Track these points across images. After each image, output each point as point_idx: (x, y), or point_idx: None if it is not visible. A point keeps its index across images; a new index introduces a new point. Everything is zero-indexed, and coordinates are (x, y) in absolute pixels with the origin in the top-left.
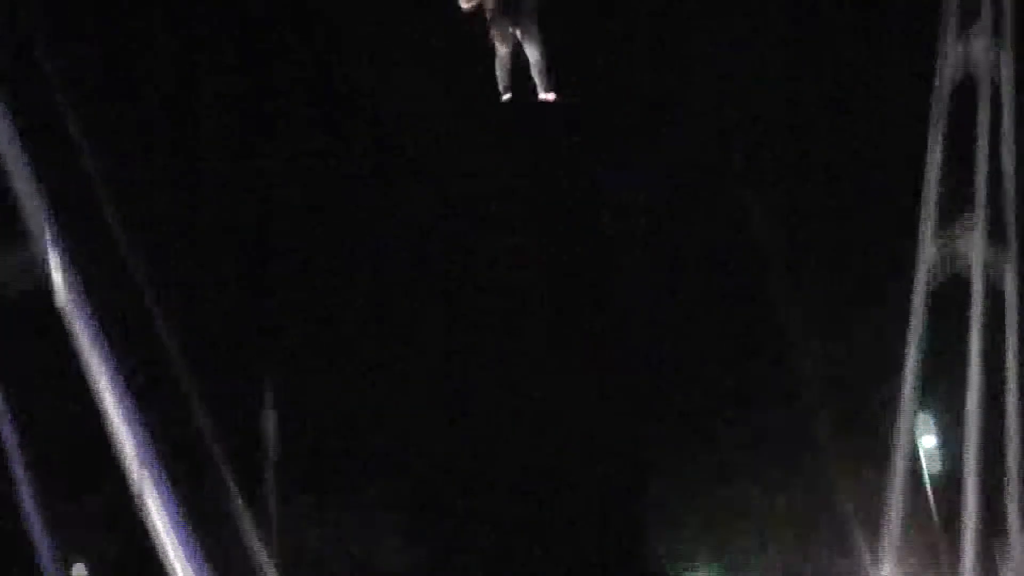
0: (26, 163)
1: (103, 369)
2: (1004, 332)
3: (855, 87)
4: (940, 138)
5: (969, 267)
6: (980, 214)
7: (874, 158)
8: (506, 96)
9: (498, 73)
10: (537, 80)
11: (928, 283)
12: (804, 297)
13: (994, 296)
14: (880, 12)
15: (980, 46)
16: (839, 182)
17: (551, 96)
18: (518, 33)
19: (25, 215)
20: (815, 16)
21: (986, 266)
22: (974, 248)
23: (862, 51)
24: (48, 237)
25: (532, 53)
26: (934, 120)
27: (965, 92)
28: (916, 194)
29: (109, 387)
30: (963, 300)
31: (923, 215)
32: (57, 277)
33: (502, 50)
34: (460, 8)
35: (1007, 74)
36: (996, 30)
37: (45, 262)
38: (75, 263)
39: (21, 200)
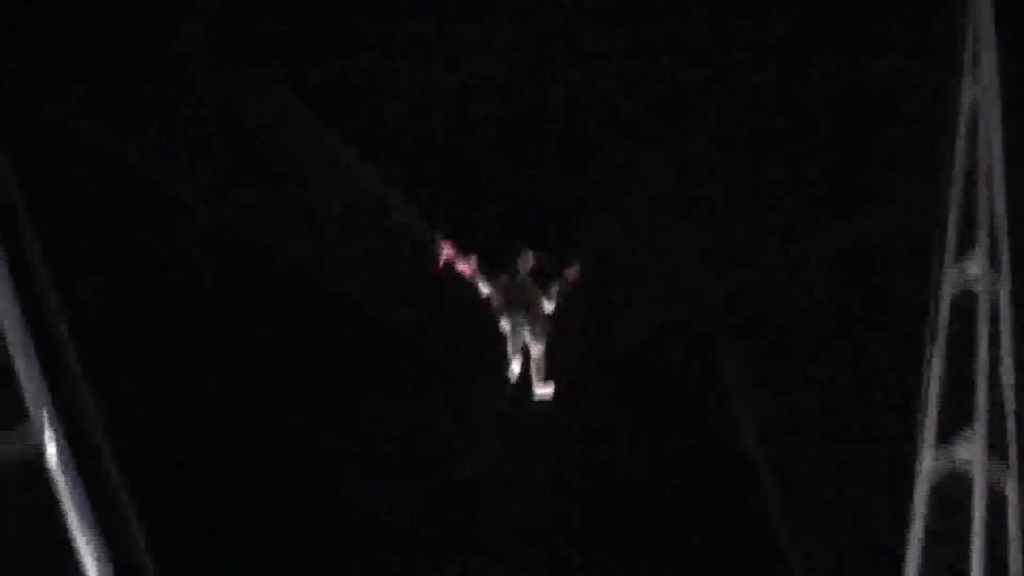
0: (24, 332)
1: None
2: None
3: (851, 301)
4: (939, 352)
5: (970, 477)
6: (980, 429)
7: (873, 371)
8: (514, 373)
9: (509, 346)
10: (534, 375)
11: (928, 494)
12: (799, 513)
13: (996, 504)
14: (878, 234)
15: (977, 267)
16: (838, 399)
17: (548, 391)
18: (525, 327)
19: (21, 382)
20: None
21: (988, 478)
22: (975, 462)
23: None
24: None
25: (535, 349)
26: (932, 335)
27: (963, 309)
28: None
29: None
30: (964, 505)
31: (922, 429)
32: (51, 445)
33: (516, 343)
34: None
35: (1004, 293)
36: (993, 253)
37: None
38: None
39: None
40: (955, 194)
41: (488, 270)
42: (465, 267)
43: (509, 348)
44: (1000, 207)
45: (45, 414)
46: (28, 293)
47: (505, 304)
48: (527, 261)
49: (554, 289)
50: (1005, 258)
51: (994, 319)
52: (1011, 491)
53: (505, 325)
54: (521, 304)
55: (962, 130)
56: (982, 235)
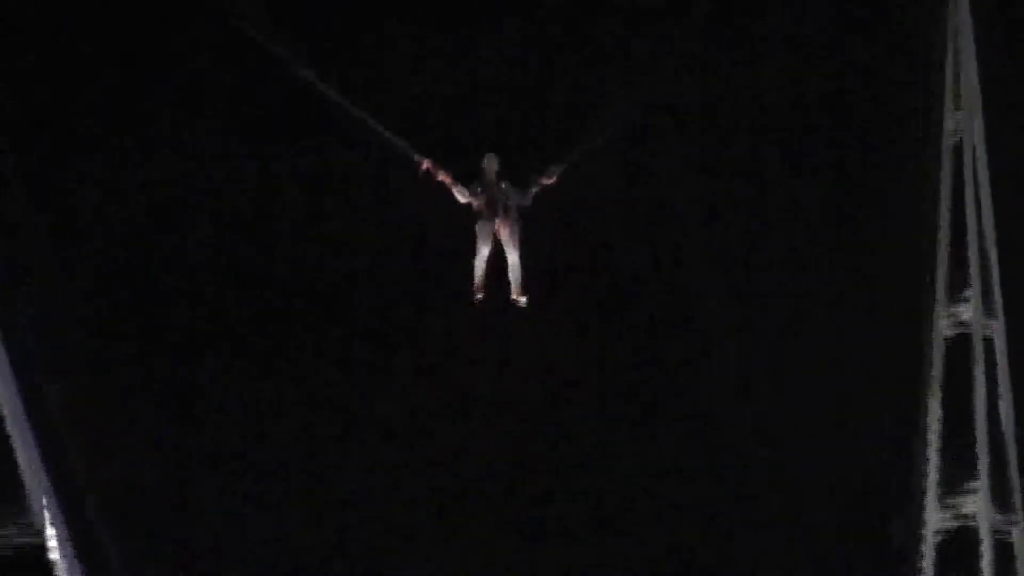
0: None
1: None
2: None
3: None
4: (937, 399)
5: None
6: (984, 480)
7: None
8: (478, 296)
9: (475, 271)
10: (512, 282)
11: (935, 547)
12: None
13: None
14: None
15: (971, 311)
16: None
17: (523, 300)
18: (501, 234)
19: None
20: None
21: (993, 528)
22: (980, 513)
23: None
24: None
25: (511, 256)
26: (930, 382)
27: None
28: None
29: None
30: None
31: (927, 480)
32: (51, 536)
33: (483, 250)
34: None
35: (1000, 338)
36: (986, 295)
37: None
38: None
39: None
40: (943, 235)
41: (464, 181)
42: (443, 177)
43: (478, 247)
44: (991, 244)
45: (45, 506)
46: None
47: (483, 206)
48: (492, 163)
49: (530, 190)
50: (998, 299)
51: (990, 362)
52: (1019, 541)
53: (479, 227)
54: (497, 206)
55: (947, 162)
56: (974, 276)
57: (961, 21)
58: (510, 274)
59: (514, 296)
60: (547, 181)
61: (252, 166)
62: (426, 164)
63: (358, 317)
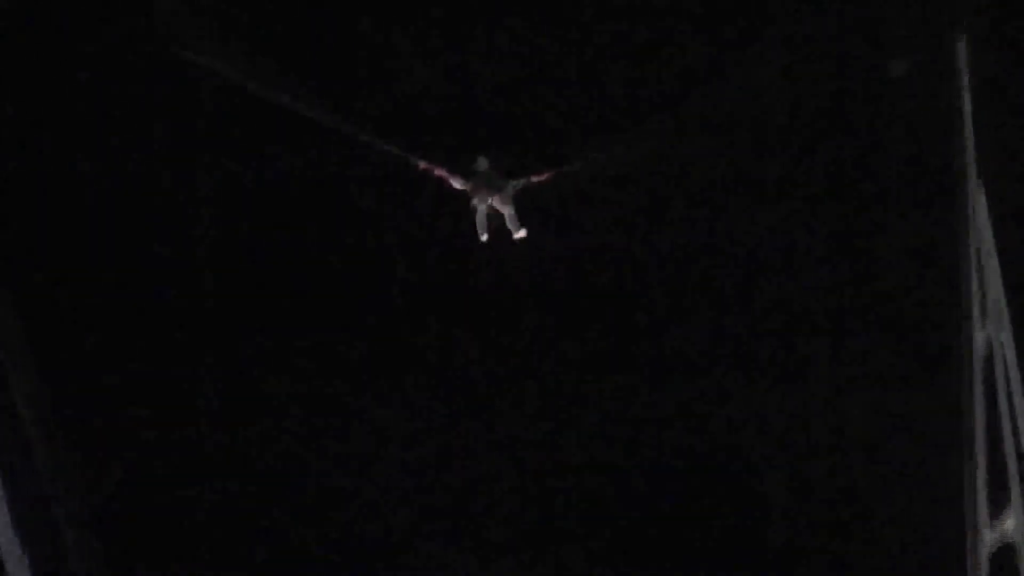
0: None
1: None
2: None
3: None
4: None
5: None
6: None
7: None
8: (483, 237)
9: (476, 220)
10: (509, 225)
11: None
12: None
13: None
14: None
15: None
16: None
17: (522, 232)
18: (494, 202)
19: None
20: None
21: None
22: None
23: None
24: None
25: (506, 211)
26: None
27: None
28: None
29: None
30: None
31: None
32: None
33: (480, 207)
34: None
35: None
36: None
37: None
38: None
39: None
40: (979, 448)
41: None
42: (439, 172)
43: (478, 219)
44: None
45: None
46: None
47: (475, 189)
48: (483, 164)
49: (521, 180)
50: None
51: None
52: None
53: (475, 203)
54: (490, 189)
55: (977, 377)
56: (1015, 491)
57: (983, 238)
58: (507, 223)
59: (514, 235)
60: (536, 179)
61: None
62: (423, 166)
63: (353, 317)
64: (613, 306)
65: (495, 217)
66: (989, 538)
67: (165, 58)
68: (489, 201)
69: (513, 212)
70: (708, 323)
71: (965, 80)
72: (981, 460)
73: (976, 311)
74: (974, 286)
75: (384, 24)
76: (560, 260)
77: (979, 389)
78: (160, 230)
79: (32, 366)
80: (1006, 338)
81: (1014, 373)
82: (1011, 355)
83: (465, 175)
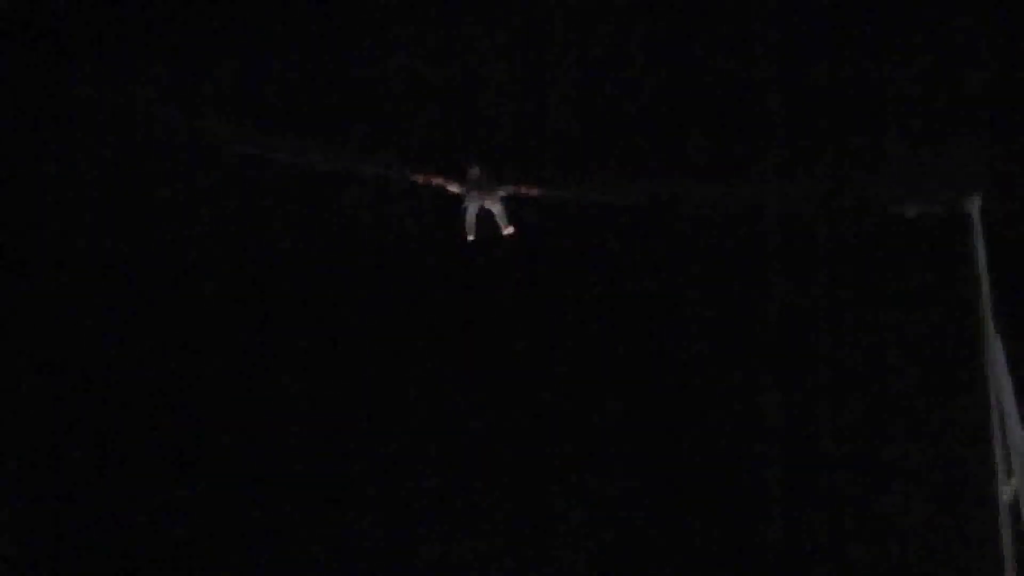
0: None
1: None
2: None
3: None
4: None
5: None
6: None
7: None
8: (470, 237)
9: (466, 221)
10: (499, 222)
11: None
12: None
13: None
14: None
15: None
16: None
17: (511, 229)
18: (485, 203)
19: None
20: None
21: None
22: None
23: None
24: None
25: (495, 208)
26: None
27: None
28: None
29: None
30: None
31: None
32: None
33: (471, 208)
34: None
35: None
36: None
37: None
38: None
39: None
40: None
41: (454, 176)
42: (436, 182)
43: (467, 219)
44: None
45: None
46: None
47: (467, 194)
48: (475, 171)
49: (511, 187)
50: None
51: None
52: None
53: (466, 205)
54: (481, 193)
55: (1005, 529)
56: None
57: (1003, 389)
58: (496, 219)
59: (503, 231)
60: (527, 190)
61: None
62: (421, 179)
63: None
64: (612, 304)
65: (485, 216)
66: None
67: None
68: (480, 203)
69: (502, 210)
70: None
71: (980, 236)
72: None
73: (1000, 463)
74: (996, 437)
75: (376, 28)
76: (555, 255)
77: (1008, 537)
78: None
79: None
80: None
81: None
82: None
83: (459, 180)
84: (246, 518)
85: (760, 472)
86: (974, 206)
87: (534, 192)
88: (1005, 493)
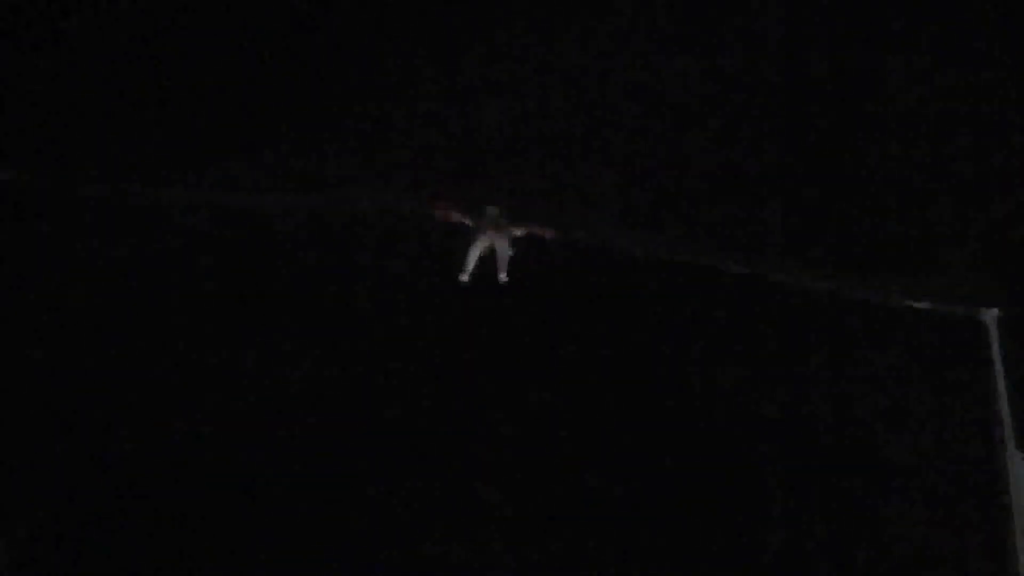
0: None
1: None
2: None
3: None
4: None
5: None
6: None
7: None
8: (465, 277)
9: (468, 257)
10: (498, 265)
11: None
12: None
13: None
14: None
15: None
16: None
17: (505, 277)
18: (495, 243)
19: None
20: None
21: None
22: None
23: None
24: None
25: (500, 248)
26: None
27: None
28: None
29: None
30: None
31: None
32: None
33: (478, 246)
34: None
35: None
36: None
37: None
38: None
39: None
40: None
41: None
42: (449, 211)
43: (470, 256)
44: None
45: None
46: None
47: (479, 230)
48: (493, 213)
49: (525, 229)
50: None
51: None
52: None
53: (475, 241)
54: (493, 232)
55: None
56: None
57: None
58: (497, 263)
59: (499, 276)
60: (540, 232)
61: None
62: (439, 212)
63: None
64: (611, 304)
65: (486, 258)
66: None
67: None
68: (489, 242)
69: (508, 255)
70: None
71: (997, 351)
72: None
73: None
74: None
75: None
76: (555, 255)
77: None
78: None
79: None
80: None
81: None
82: None
83: (476, 216)
84: (246, 518)
85: (760, 472)
86: (991, 318)
87: (549, 234)
88: None
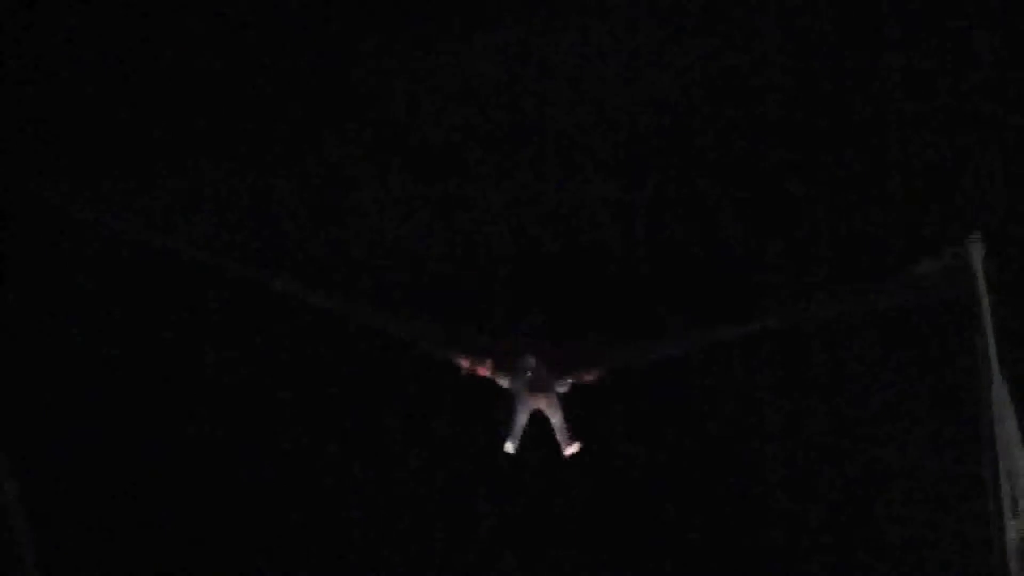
0: None
1: None
2: None
3: None
4: None
5: None
6: None
7: None
8: (511, 448)
9: (514, 427)
10: (560, 440)
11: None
12: None
13: None
14: None
15: None
16: None
17: (575, 447)
18: (541, 405)
19: None
20: None
21: None
22: None
23: None
24: None
25: (554, 418)
26: None
27: None
28: None
29: None
30: None
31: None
32: None
33: (521, 417)
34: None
35: None
36: None
37: None
38: None
39: None
40: None
41: (505, 367)
42: (484, 371)
43: (516, 425)
44: None
45: None
46: None
47: (520, 391)
48: (529, 362)
49: (568, 381)
50: None
51: None
52: None
53: (518, 406)
54: (535, 391)
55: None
56: None
57: (1009, 434)
58: (556, 435)
59: (565, 451)
60: (587, 378)
61: None
62: (466, 366)
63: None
64: (612, 305)
65: (536, 422)
66: None
67: None
68: (535, 406)
69: (562, 420)
70: None
71: (981, 280)
72: None
73: (1007, 506)
74: (1003, 482)
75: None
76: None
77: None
78: None
79: None
80: None
81: None
82: None
83: (510, 373)
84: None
85: (760, 472)
86: (975, 248)
87: (596, 376)
88: (1011, 534)
